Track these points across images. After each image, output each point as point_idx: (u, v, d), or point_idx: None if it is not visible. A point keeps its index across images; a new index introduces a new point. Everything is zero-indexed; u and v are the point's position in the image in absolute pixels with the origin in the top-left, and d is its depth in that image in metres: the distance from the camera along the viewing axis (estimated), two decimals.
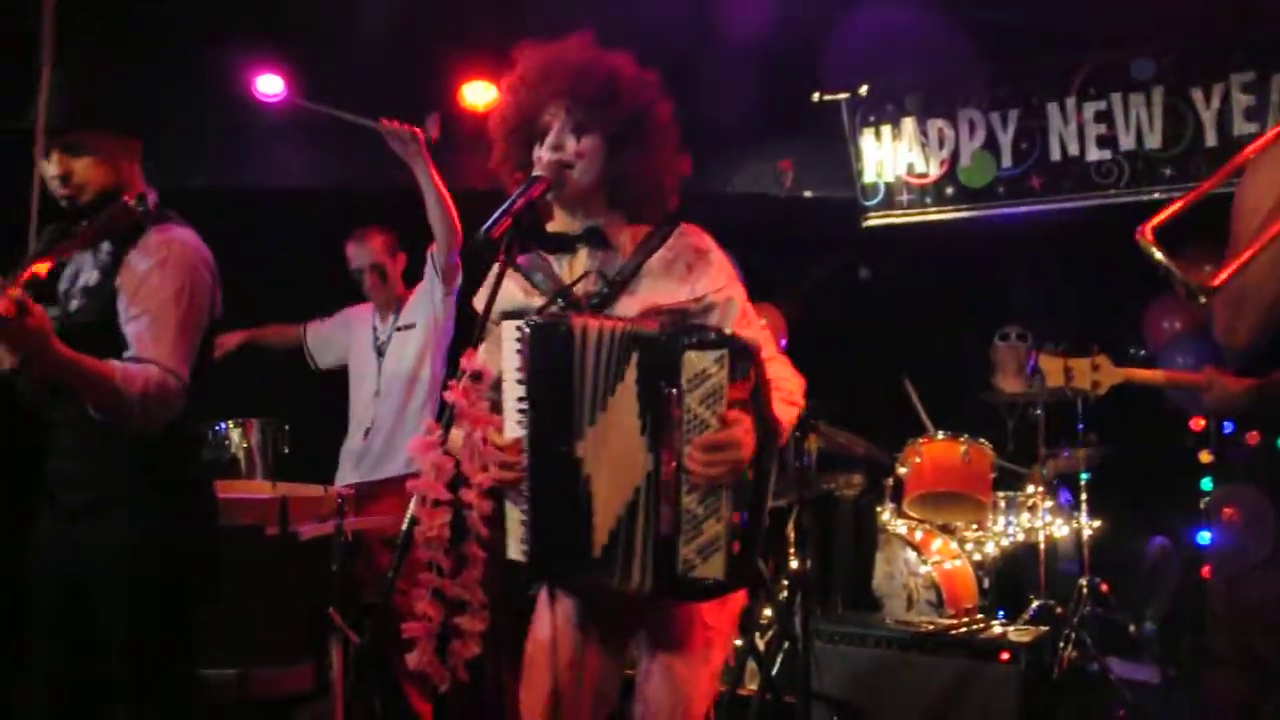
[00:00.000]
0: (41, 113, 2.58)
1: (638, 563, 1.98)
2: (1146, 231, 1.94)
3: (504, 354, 2.03)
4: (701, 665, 2.19)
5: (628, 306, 2.12)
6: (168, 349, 2.45)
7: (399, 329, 4.14)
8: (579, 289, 2.14)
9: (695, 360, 1.92)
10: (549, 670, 2.18)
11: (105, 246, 2.52)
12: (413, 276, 4.21)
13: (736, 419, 1.93)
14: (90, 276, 2.55)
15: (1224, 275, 2.00)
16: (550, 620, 2.23)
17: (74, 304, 2.54)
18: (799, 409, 2.21)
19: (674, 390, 1.93)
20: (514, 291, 2.18)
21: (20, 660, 2.59)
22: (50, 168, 2.54)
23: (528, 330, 2.00)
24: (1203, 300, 1.98)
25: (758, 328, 2.21)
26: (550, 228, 2.24)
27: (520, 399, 2.01)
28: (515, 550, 2.08)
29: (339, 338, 4.36)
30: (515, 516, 2.06)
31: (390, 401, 4.08)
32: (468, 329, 2.06)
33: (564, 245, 2.20)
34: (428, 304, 4.04)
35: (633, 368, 1.96)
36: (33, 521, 2.60)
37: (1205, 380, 3.25)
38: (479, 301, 2.18)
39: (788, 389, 2.18)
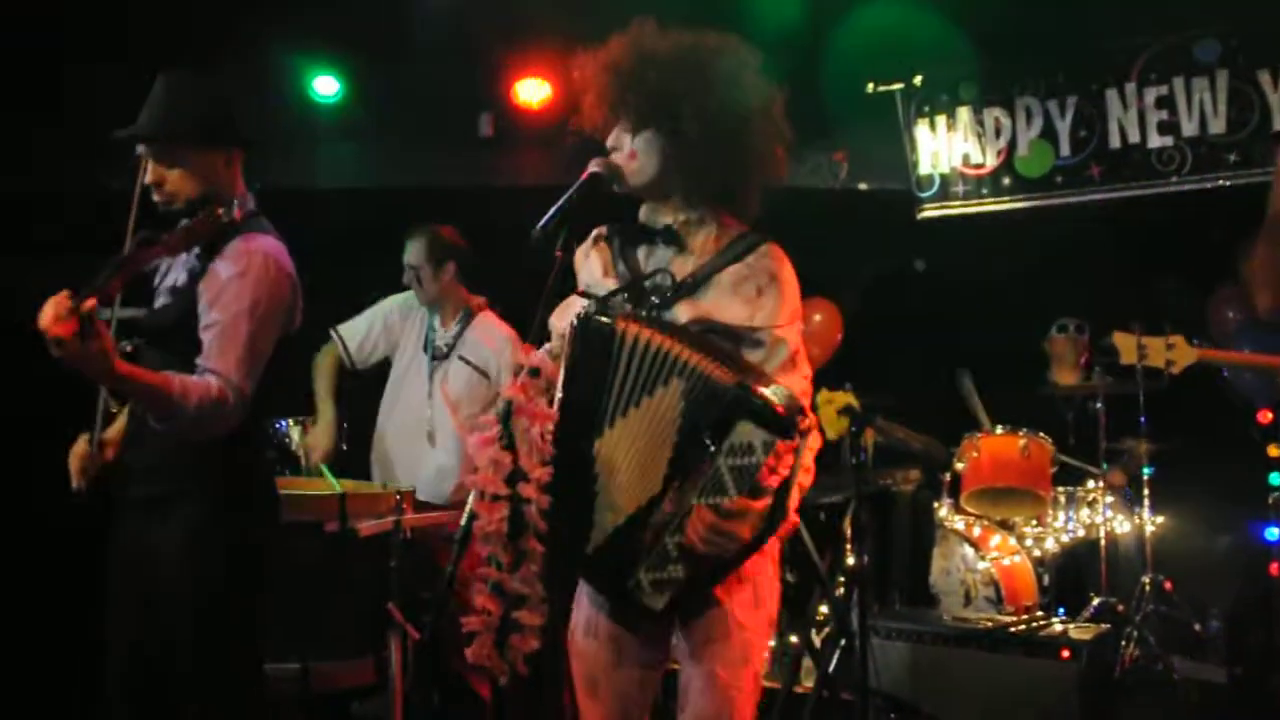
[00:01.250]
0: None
1: (604, 566, 2.04)
2: None
3: (553, 331, 2.08)
4: (742, 667, 2.15)
5: (686, 311, 2.10)
6: (233, 362, 2.49)
7: (464, 359, 4.05)
8: (650, 283, 2.14)
9: (746, 430, 1.90)
10: (583, 667, 2.21)
11: (194, 252, 2.57)
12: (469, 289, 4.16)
13: (748, 507, 1.92)
14: (178, 278, 2.62)
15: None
16: (580, 618, 2.24)
17: (159, 302, 2.65)
18: (811, 471, 2.15)
19: (712, 446, 1.92)
20: (595, 269, 2.21)
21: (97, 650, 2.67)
22: (145, 175, 2.60)
23: (574, 323, 2.03)
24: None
25: (802, 376, 2.14)
26: (640, 216, 2.24)
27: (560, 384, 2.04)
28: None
29: (371, 339, 4.22)
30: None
31: (448, 417, 4.04)
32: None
33: (646, 237, 2.20)
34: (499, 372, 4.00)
35: (675, 393, 1.95)
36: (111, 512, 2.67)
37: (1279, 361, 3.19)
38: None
39: (805, 466, 2.10)
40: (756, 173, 2.17)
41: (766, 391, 1.92)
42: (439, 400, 4.05)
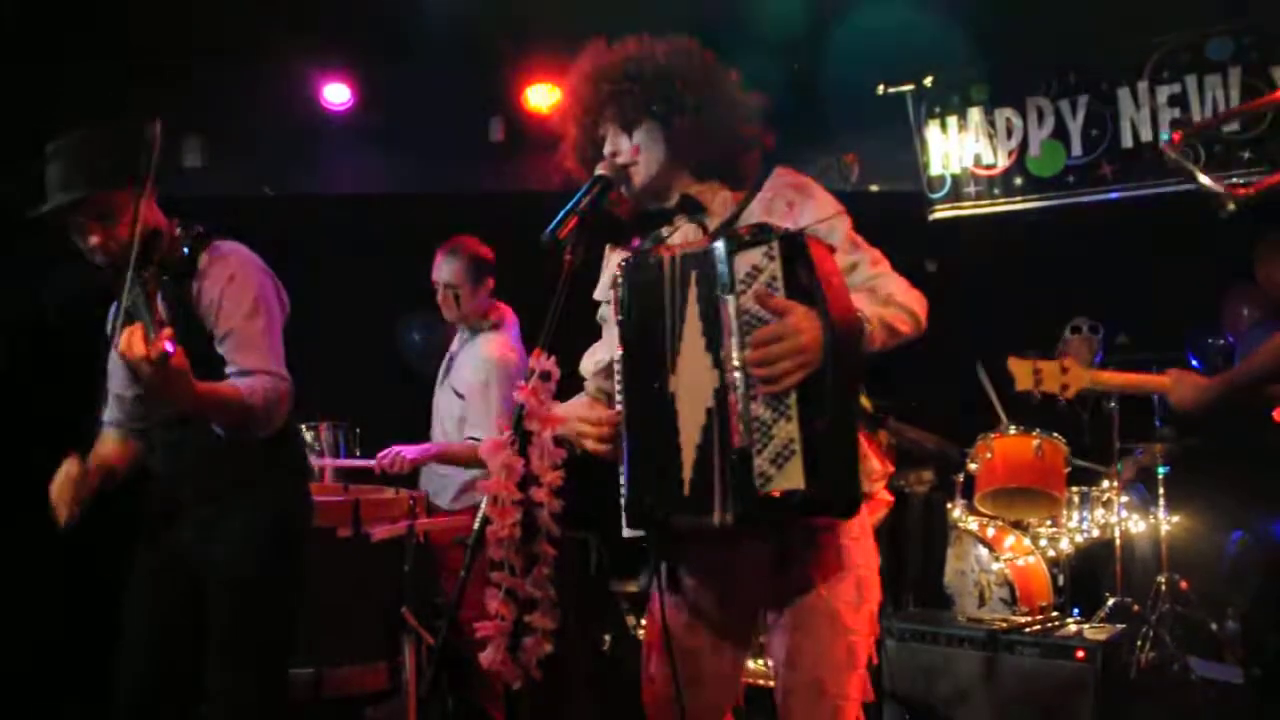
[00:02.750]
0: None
1: (717, 488, 1.85)
2: (1175, 139, 1.95)
3: (608, 318, 2.03)
4: (849, 673, 2.07)
5: None
6: (264, 356, 2.59)
7: (452, 387, 3.95)
8: (676, 239, 2.14)
9: (745, 259, 1.86)
10: (663, 663, 2.09)
11: (164, 280, 2.59)
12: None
13: (792, 307, 1.81)
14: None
15: (1255, 187, 2.01)
16: (662, 611, 2.10)
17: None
18: (909, 317, 2.07)
19: (725, 294, 1.87)
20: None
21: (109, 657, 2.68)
22: (88, 238, 2.58)
23: (619, 271, 2.00)
24: (1230, 207, 1.98)
25: (868, 249, 2.12)
26: (649, 208, 2.24)
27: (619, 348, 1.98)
28: (626, 529, 1.98)
29: None
30: (622, 482, 1.97)
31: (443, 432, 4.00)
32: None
33: (664, 218, 2.20)
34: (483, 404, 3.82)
35: (693, 286, 1.92)
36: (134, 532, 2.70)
37: (1170, 382, 3.13)
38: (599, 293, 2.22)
39: (887, 294, 2.06)
40: (749, 138, 2.20)
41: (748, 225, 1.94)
42: (438, 427, 4.03)
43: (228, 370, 2.59)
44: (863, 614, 2.09)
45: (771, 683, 2.16)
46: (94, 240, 2.57)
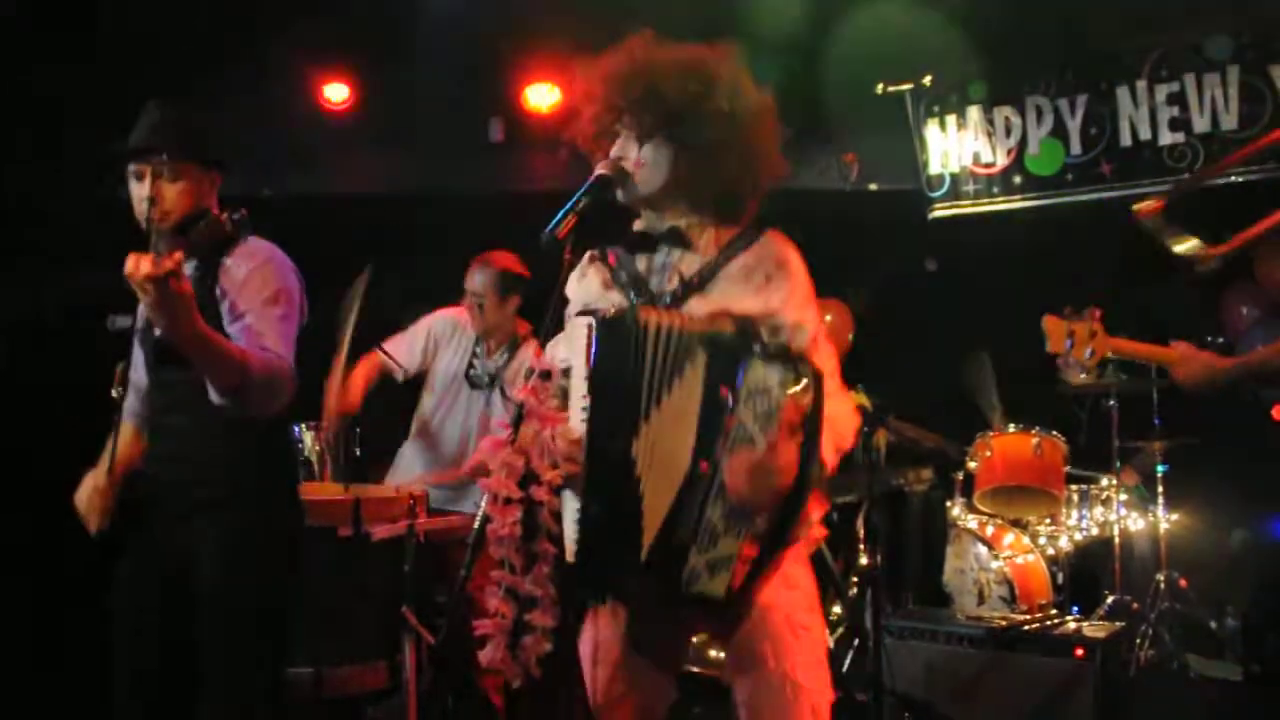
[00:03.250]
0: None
1: (658, 569, 1.97)
2: (1144, 211, 2.00)
3: (574, 349, 2.02)
4: (819, 670, 2.12)
5: (699, 307, 2.09)
6: (275, 340, 2.58)
7: (505, 394, 3.96)
8: (655, 286, 2.14)
9: (759, 372, 1.90)
10: (591, 681, 2.16)
11: (193, 261, 2.61)
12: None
13: (784, 446, 1.89)
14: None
15: (1226, 247, 2.05)
16: (594, 629, 2.18)
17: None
18: (844, 452, 2.13)
19: (730, 396, 1.90)
20: (595, 285, 2.19)
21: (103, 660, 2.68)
22: (141, 189, 2.62)
23: (595, 324, 1.99)
24: (1212, 265, 2.02)
25: (827, 356, 2.13)
26: (636, 226, 2.24)
27: (584, 395, 1.99)
28: (569, 552, 2.01)
29: (420, 344, 4.17)
30: (571, 513, 2.01)
31: None
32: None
33: (646, 244, 2.20)
34: None
35: (698, 367, 1.94)
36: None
37: (1175, 356, 3.16)
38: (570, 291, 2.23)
39: (840, 430, 2.10)
40: (759, 177, 2.19)
41: (766, 331, 1.98)
42: (478, 431, 3.99)
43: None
44: (817, 618, 2.17)
45: (715, 672, 2.21)
46: (144, 192, 2.60)
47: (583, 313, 2.06)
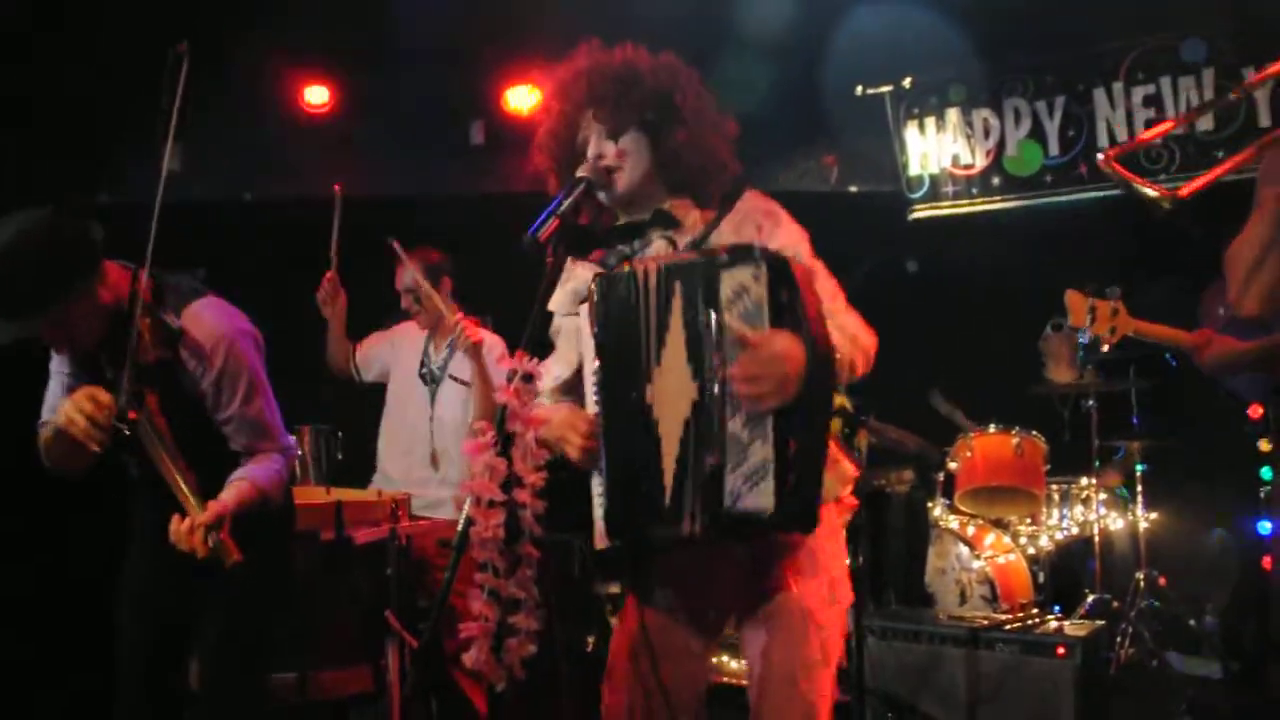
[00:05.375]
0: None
1: (689, 501, 1.90)
2: (1109, 156, 2.04)
3: (582, 330, 2.02)
4: (823, 670, 2.10)
5: None
6: (270, 430, 2.69)
7: (453, 378, 4.04)
8: (649, 253, 2.16)
9: (732, 276, 1.89)
10: (629, 675, 2.14)
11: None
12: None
13: (777, 333, 1.86)
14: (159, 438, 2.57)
15: (1190, 187, 2.11)
16: (633, 622, 2.17)
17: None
18: (865, 355, 2.11)
19: (712, 310, 1.89)
20: (586, 280, 2.18)
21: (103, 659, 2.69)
22: (55, 348, 2.56)
23: (594, 284, 2.01)
24: (1167, 208, 2.07)
25: (825, 277, 2.16)
26: (619, 222, 2.25)
27: (595, 362, 1.99)
28: (600, 537, 2.00)
29: (383, 353, 4.31)
30: (597, 491, 1.99)
31: (454, 433, 4.02)
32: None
33: (635, 232, 2.22)
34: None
35: (678, 298, 1.94)
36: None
37: (1203, 339, 3.23)
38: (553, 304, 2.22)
39: (851, 332, 2.10)
40: (725, 158, 2.22)
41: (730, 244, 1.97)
42: (440, 425, 4.04)
43: (232, 445, 2.67)
44: (834, 612, 2.14)
45: (744, 681, 2.19)
46: (61, 351, 2.57)
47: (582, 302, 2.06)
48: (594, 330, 2.00)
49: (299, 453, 2.78)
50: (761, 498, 1.83)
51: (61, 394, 2.61)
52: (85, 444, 2.34)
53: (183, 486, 2.43)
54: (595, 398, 2.00)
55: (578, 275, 2.21)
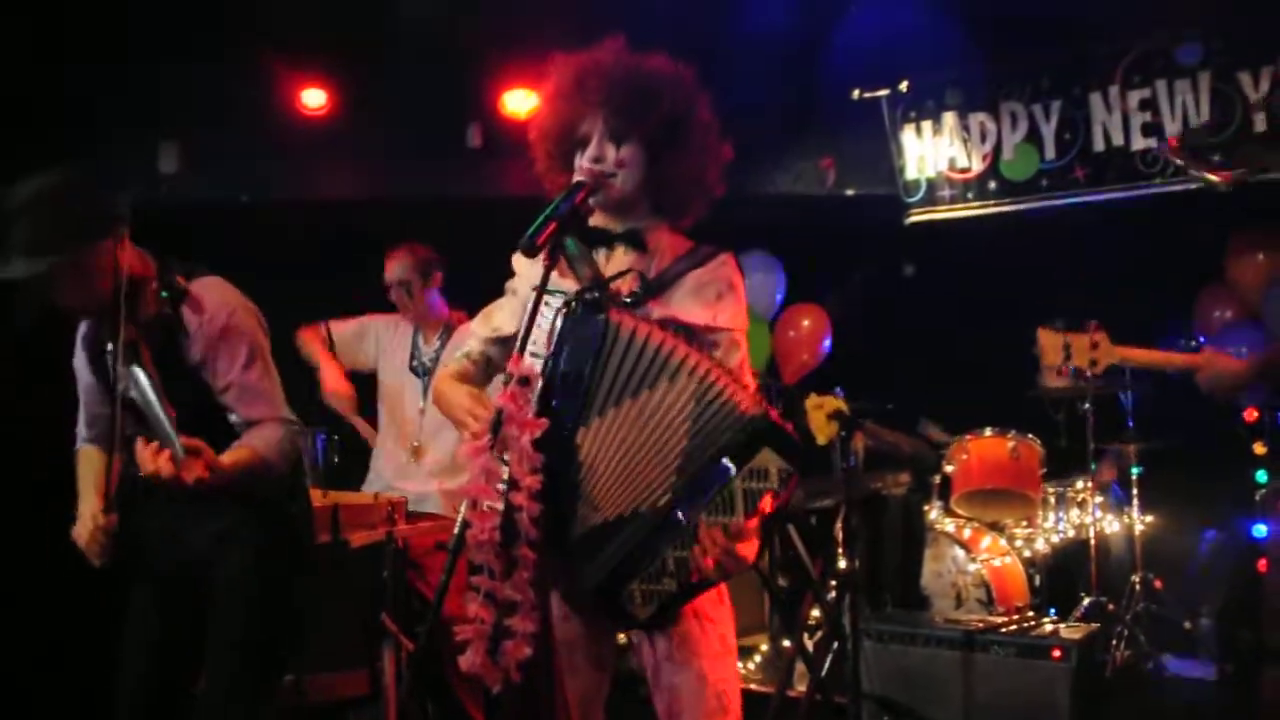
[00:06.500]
0: None
1: (595, 568, 2.01)
2: (1174, 143, 2.08)
3: (539, 323, 2.03)
4: (725, 659, 2.18)
5: (655, 310, 2.13)
6: (268, 403, 2.65)
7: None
8: (616, 285, 2.16)
9: (765, 459, 1.94)
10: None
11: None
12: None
13: (752, 529, 1.96)
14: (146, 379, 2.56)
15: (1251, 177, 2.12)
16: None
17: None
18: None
19: (733, 469, 1.94)
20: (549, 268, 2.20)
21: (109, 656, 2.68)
22: (67, 300, 2.53)
23: (568, 306, 2.02)
24: (1223, 190, 2.09)
25: (749, 379, 2.19)
26: (592, 223, 2.24)
27: (533, 354, 2.03)
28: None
29: (359, 345, 4.30)
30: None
31: (440, 424, 4.04)
32: None
33: (604, 240, 2.22)
34: None
35: (683, 398, 1.96)
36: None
37: (1201, 360, 3.21)
38: (500, 317, 2.27)
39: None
40: (712, 186, 2.24)
41: (783, 422, 1.99)
42: (429, 416, 4.06)
43: (232, 419, 2.64)
44: (724, 609, 2.22)
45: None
46: (71, 301, 2.54)
47: (548, 292, 2.06)
48: (549, 348, 2.02)
49: (301, 430, 2.71)
50: (643, 611, 2.03)
51: (89, 379, 2.71)
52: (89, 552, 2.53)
53: (164, 421, 2.36)
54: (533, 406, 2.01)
55: (528, 276, 2.22)
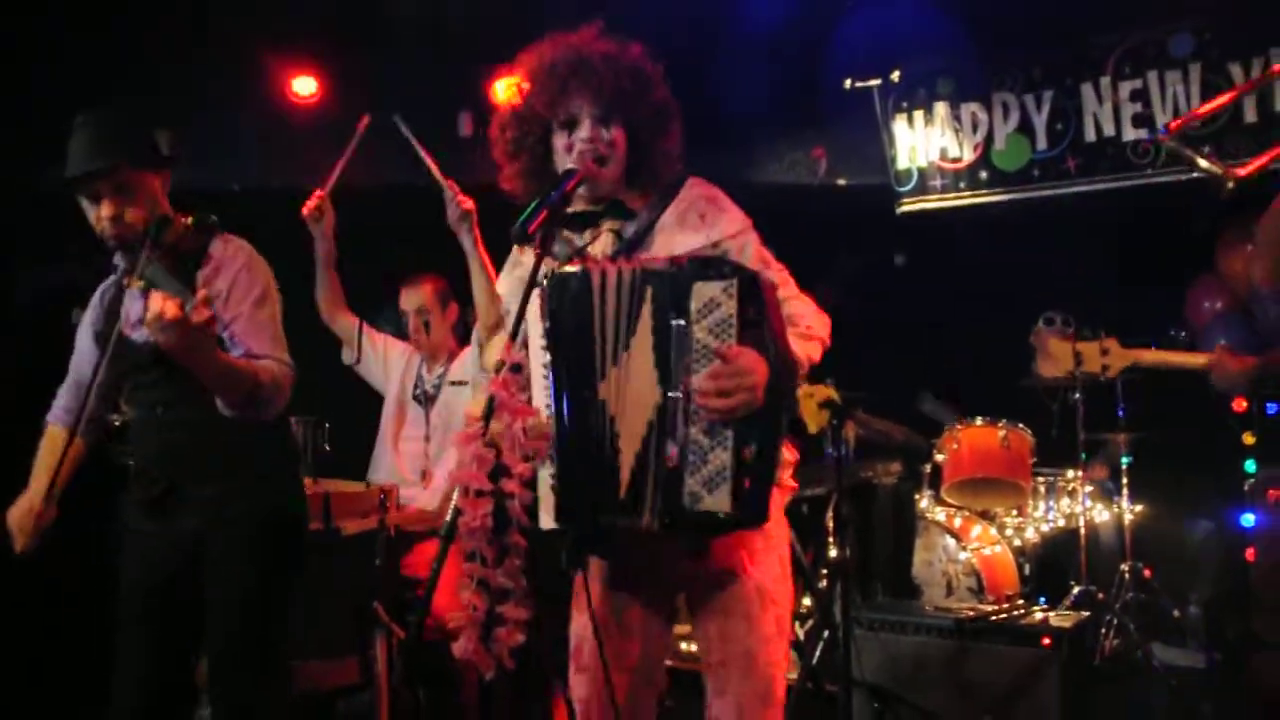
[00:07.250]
0: None
1: (649, 498, 1.97)
2: (1172, 130, 2.10)
3: (528, 319, 2.04)
4: (778, 642, 2.19)
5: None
6: (272, 341, 2.64)
7: (452, 384, 4.06)
8: (595, 249, 2.19)
9: (703, 290, 1.93)
10: (593, 655, 2.16)
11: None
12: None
13: (745, 348, 1.92)
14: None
15: (1249, 168, 2.15)
16: (587, 605, 2.19)
17: (139, 333, 2.59)
18: (822, 344, 2.21)
19: (682, 321, 1.94)
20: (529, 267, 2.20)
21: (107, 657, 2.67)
22: (101, 209, 2.60)
23: (546, 282, 2.02)
24: (1230, 186, 2.11)
25: (775, 268, 2.23)
26: (571, 209, 2.23)
27: (543, 348, 2.03)
28: (547, 518, 2.05)
29: (377, 364, 4.28)
30: (545, 480, 2.04)
31: (445, 445, 4.01)
32: None
33: (589, 221, 2.23)
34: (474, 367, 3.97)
35: (647, 304, 1.98)
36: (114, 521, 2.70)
37: (1213, 360, 3.24)
38: (501, 288, 2.32)
39: (806, 325, 2.19)
40: (677, 156, 2.26)
41: (705, 255, 2.02)
42: (435, 432, 4.05)
43: (233, 354, 2.60)
44: (785, 589, 2.23)
45: (694, 665, 2.25)
46: (106, 212, 2.58)
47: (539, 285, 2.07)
48: (545, 324, 2.02)
49: (292, 373, 2.67)
50: (719, 501, 1.92)
51: (88, 345, 2.76)
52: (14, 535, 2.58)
53: (175, 283, 2.40)
54: (547, 387, 2.02)
55: (524, 263, 2.25)
